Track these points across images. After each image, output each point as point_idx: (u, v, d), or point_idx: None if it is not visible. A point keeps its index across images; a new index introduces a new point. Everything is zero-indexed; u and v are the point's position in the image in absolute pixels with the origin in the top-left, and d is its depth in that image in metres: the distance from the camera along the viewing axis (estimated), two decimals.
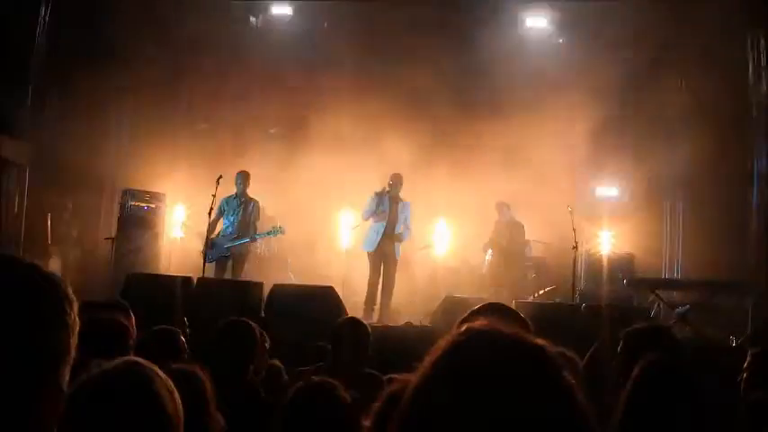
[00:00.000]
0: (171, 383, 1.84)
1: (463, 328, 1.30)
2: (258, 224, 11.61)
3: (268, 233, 11.77)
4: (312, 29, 14.87)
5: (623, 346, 3.61)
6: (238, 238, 11.27)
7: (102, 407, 1.73)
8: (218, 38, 14.19)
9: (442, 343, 1.30)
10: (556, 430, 1.20)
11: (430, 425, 1.21)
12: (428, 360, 1.28)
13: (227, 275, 11.21)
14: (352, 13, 14.60)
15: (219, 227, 11.46)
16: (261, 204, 11.69)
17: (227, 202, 11.38)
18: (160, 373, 1.84)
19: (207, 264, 11.17)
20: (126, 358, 1.88)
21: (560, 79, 13.73)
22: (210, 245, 11.32)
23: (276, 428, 3.25)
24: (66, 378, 1.44)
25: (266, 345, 5.46)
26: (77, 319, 1.46)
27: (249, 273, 12.59)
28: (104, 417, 1.72)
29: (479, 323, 1.31)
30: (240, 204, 11.34)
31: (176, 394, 1.83)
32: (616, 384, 3.56)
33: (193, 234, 13.04)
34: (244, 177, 11.40)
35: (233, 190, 11.48)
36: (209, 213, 11.08)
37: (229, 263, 11.34)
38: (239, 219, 11.31)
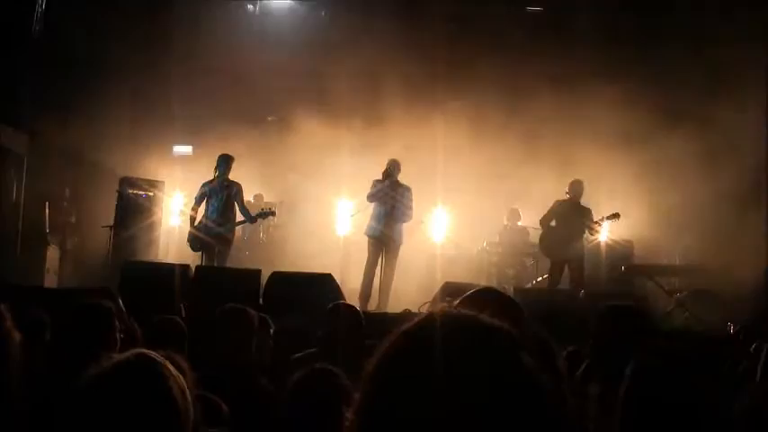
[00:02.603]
0: (181, 378, 1.83)
1: (423, 314, 1.31)
2: (244, 206, 11.45)
3: (258, 215, 11.63)
4: (311, 17, 14.83)
5: (598, 325, 3.57)
6: (223, 223, 11.10)
7: (115, 400, 1.73)
8: (217, 24, 14.16)
9: (400, 329, 1.30)
10: (509, 408, 1.20)
11: (384, 410, 1.21)
12: (385, 343, 1.28)
13: (215, 263, 11.08)
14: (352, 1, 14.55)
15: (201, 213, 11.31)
16: (243, 187, 11.43)
17: (209, 188, 11.23)
18: (169, 365, 1.83)
19: (194, 252, 11.13)
20: (135, 351, 1.87)
21: (563, 64, 13.75)
22: (194, 233, 11.19)
23: (278, 415, 3.26)
24: None
25: (270, 331, 5.44)
26: None
27: (247, 260, 12.59)
28: (117, 410, 1.72)
29: (440, 308, 1.32)
30: (222, 188, 11.19)
31: (186, 388, 1.83)
32: (593, 366, 3.54)
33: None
34: (226, 161, 11.18)
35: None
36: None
37: (216, 249, 11.12)
38: (222, 203, 11.15)
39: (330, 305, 5.55)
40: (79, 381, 1.75)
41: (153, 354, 1.85)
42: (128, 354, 1.83)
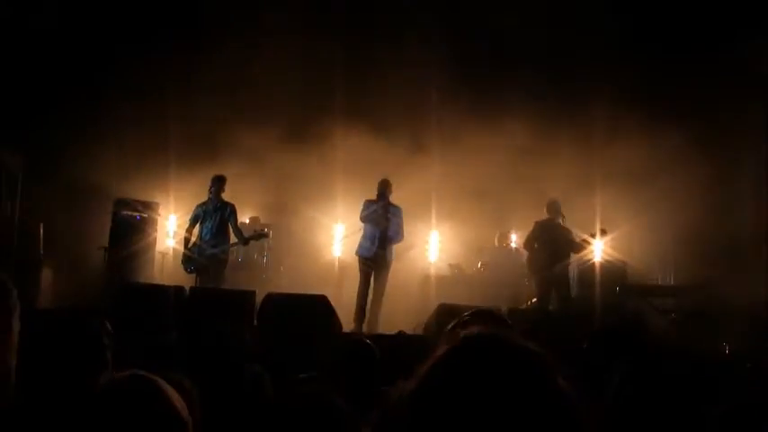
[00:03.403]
0: (177, 393, 1.85)
1: (461, 334, 1.31)
2: (238, 227, 11.43)
3: (251, 237, 11.60)
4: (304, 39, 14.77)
5: (590, 346, 3.59)
6: (217, 244, 11.10)
7: (120, 419, 1.74)
8: (215, 47, 14.20)
9: (440, 349, 1.30)
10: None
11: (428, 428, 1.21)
12: (426, 365, 1.29)
13: (210, 284, 11.09)
14: (347, 18, 14.51)
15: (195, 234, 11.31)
16: (237, 207, 11.45)
17: (202, 209, 11.21)
18: (164, 383, 1.85)
19: (188, 274, 11.12)
20: (133, 372, 1.89)
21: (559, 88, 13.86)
22: (188, 255, 11.22)
23: None
24: None
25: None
26: None
27: (241, 281, 12.55)
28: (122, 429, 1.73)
29: (476, 329, 1.33)
30: (216, 209, 11.17)
31: (184, 404, 1.84)
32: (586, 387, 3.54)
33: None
34: (219, 181, 11.20)
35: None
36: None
37: (210, 271, 11.11)
38: (216, 224, 11.12)
39: (345, 342, 5.32)
40: (77, 401, 1.76)
41: (147, 373, 1.87)
42: (124, 374, 1.84)
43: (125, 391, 1.78)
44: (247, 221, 13.70)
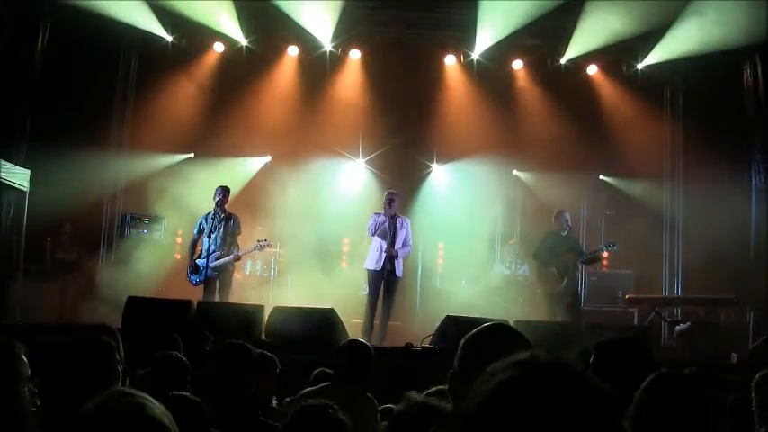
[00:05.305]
0: (164, 407, 1.84)
1: (525, 357, 1.25)
2: (239, 239, 11.43)
3: (254, 248, 11.61)
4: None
5: (595, 359, 3.57)
6: (222, 255, 11.13)
7: None
8: (216, 60, 14.24)
9: (498, 374, 1.23)
10: None
11: None
12: (483, 388, 1.23)
13: (216, 296, 11.10)
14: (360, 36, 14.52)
15: (200, 247, 11.35)
16: (240, 219, 11.45)
17: (205, 220, 11.23)
18: (151, 398, 1.84)
19: (194, 286, 11.13)
20: (116, 389, 1.88)
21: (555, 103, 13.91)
22: (194, 267, 11.24)
23: None
24: None
25: (276, 370, 5.43)
26: None
27: (249, 295, 12.55)
28: None
29: (541, 355, 1.26)
30: (220, 221, 11.16)
31: (171, 417, 1.84)
32: None
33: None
34: (223, 193, 11.21)
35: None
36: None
37: (216, 282, 11.18)
38: (220, 235, 11.13)
39: (343, 342, 5.55)
40: (68, 421, 1.76)
41: (131, 390, 1.87)
42: (108, 392, 1.84)
43: (111, 412, 1.77)
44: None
